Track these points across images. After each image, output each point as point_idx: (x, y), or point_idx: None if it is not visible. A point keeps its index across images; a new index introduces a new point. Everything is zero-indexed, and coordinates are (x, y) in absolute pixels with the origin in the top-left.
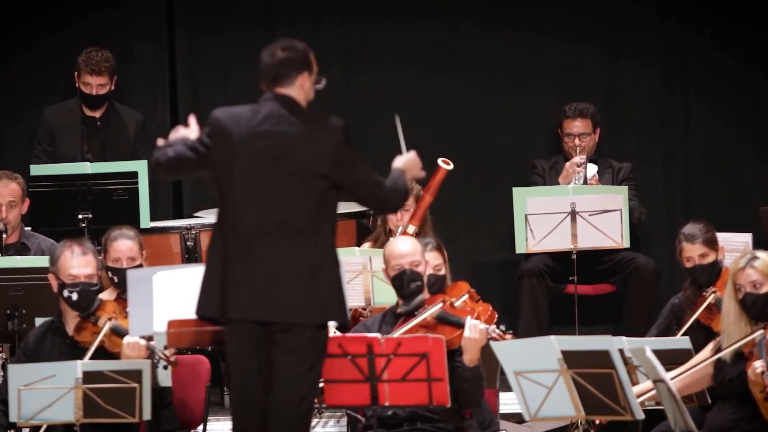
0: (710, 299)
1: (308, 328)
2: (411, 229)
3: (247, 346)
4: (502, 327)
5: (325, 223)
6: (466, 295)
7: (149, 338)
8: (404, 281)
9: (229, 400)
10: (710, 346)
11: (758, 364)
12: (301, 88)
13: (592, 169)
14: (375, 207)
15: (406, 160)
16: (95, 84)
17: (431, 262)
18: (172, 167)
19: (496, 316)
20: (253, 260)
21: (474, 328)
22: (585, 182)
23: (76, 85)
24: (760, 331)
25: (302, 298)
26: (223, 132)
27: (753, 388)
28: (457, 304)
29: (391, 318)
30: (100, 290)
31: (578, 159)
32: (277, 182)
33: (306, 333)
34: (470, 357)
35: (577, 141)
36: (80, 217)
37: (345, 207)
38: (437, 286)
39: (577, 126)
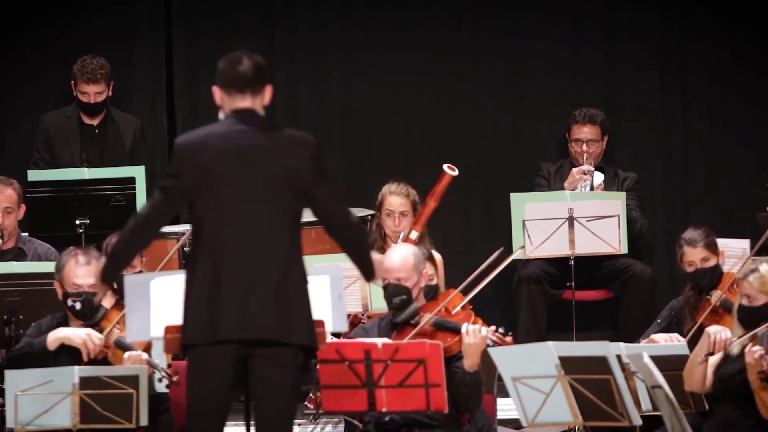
0: (715, 302)
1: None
2: (414, 234)
3: (227, 365)
4: (501, 330)
5: (299, 239)
6: (462, 303)
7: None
8: (386, 295)
9: (190, 414)
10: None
11: (757, 348)
12: (263, 99)
13: (599, 177)
14: (341, 228)
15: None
16: (92, 92)
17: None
18: (149, 224)
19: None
20: (237, 279)
21: (473, 332)
22: (591, 190)
23: (74, 93)
24: (763, 328)
25: (289, 316)
26: (195, 155)
27: (750, 375)
28: (453, 311)
29: (387, 326)
30: None
31: (586, 167)
32: (258, 199)
33: (292, 348)
34: (471, 362)
35: (584, 147)
36: (77, 222)
37: None
38: (430, 295)
39: (585, 132)
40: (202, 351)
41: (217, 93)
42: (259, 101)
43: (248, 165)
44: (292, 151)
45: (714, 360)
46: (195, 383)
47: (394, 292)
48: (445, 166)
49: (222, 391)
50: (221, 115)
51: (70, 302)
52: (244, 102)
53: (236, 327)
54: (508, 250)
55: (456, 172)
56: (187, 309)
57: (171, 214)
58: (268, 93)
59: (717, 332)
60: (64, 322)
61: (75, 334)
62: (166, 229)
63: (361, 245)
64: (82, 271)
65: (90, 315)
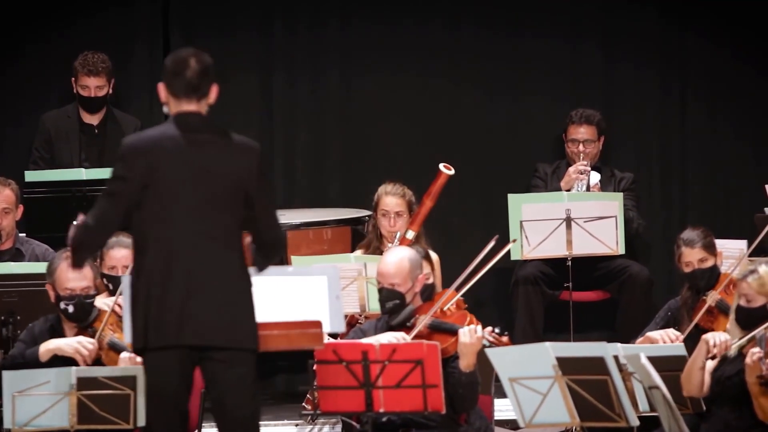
0: (710, 302)
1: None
2: (410, 234)
3: (181, 370)
4: (497, 330)
5: (241, 244)
6: (454, 299)
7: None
8: (380, 299)
9: (149, 418)
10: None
11: (756, 350)
12: (208, 100)
13: (595, 177)
14: (268, 239)
15: None
16: (93, 86)
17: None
18: (99, 230)
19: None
20: (188, 284)
21: (470, 333)
22: (588, 190)
23: (74, 90)
24: (761, 330)
25: (241, 321)
26: (144, 156)
27: (749, 377)
28: (445, 309)
29: (383, 327)
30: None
31: (582, 167)
32: (206, 204)
33: (247, 349)
34: (467, 362)
35: (581, 147)
36: (75, 223)
37: (340, 213)
38: (426, 294)
39: (582, 132)
40: (153, 355)
41: (162, 91)
42: (204, 103)
43: (197, 170)
44: (240, 157)
45: (711, 363)
46: (150, 388)
47: (388, 296)
48: (441, 166)
49: (179, 396)
50: (166, 109)
51: (62, 305)
52: (190, 106)
53: (189, 333)
54: (504, 241)
55: (452, 172)
56: (135, 314)
57: (120, 220)
58: (213, 93)
59: (714, 337)
60: (57, 324)
61: (66, 343)
62: None
63: (268, 261)
64: (74, 274)
65: (83, 317)
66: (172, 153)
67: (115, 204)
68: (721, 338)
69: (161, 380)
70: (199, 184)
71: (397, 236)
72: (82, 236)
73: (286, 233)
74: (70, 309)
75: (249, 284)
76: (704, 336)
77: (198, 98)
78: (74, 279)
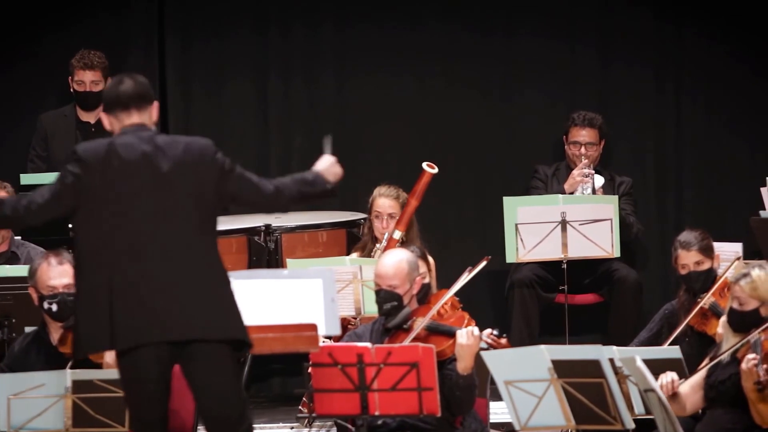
0: (704, 304)
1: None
2: (397, 234)
3: (160, 368)
4: (496, 332)
5: (214, 241)
6: (446, 298)
7: None
8: (377, 301)
9: (134, 420)
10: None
11: (752, 355)
12: (150, 116)
13: (600, 180)
14: (266, 205)
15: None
16: (88, 80)
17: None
18: (49, 208)
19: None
20: (152, 280)
21: (468, 335)
22: (593, 193)
23: (71, 89)
24: (755, 334)
25: (219, 314)
26: (98, 162)
27: (745, 383)
28: (438, 306)
29: (379, 328)
30: None
31: (587, 170)
32: (169, 203)
33: (227, 344)
34: (464, 364)
35: (582, 150)
36: (70, 225)
37: (336, 216)
38: (421, 294)
39: (584, 135)
40: (134, 354)
41: (104, 119)
42: (146, 117)
43: (155, 171)
44: (196, 156)
45: (688, 382)
46: (131, 389)
47: (385, 298)
48: (424, 165)
49: (158, 392)
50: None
51: (46, 305)
52: (132, 119)
53: (162, 328)
54: (500, 255)
55: (435, 170)
56: (92, 316)
57: (63, 210)
58: (154, 110)
59: (662, 378)
60: (42, 330)
61: None
62: None
63: (299, 198)
64: (56, 271)
65: (67, 315)
66: (128, 158)
67: (65, 193)
68: (667, 379)
69: (140, 381)
70: (158, 187)
71: (385, 237)
72: (24, 207)
73: (283, 192)
74: (54, 308)
75: (226, 280)
76: (660, 375)
77: (138, 110)
78: (56, 277)
